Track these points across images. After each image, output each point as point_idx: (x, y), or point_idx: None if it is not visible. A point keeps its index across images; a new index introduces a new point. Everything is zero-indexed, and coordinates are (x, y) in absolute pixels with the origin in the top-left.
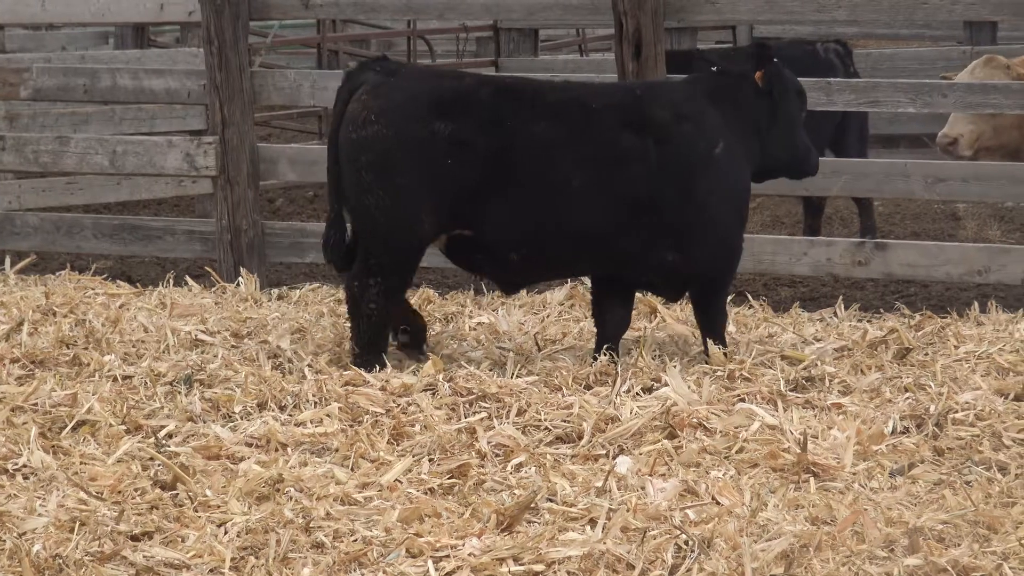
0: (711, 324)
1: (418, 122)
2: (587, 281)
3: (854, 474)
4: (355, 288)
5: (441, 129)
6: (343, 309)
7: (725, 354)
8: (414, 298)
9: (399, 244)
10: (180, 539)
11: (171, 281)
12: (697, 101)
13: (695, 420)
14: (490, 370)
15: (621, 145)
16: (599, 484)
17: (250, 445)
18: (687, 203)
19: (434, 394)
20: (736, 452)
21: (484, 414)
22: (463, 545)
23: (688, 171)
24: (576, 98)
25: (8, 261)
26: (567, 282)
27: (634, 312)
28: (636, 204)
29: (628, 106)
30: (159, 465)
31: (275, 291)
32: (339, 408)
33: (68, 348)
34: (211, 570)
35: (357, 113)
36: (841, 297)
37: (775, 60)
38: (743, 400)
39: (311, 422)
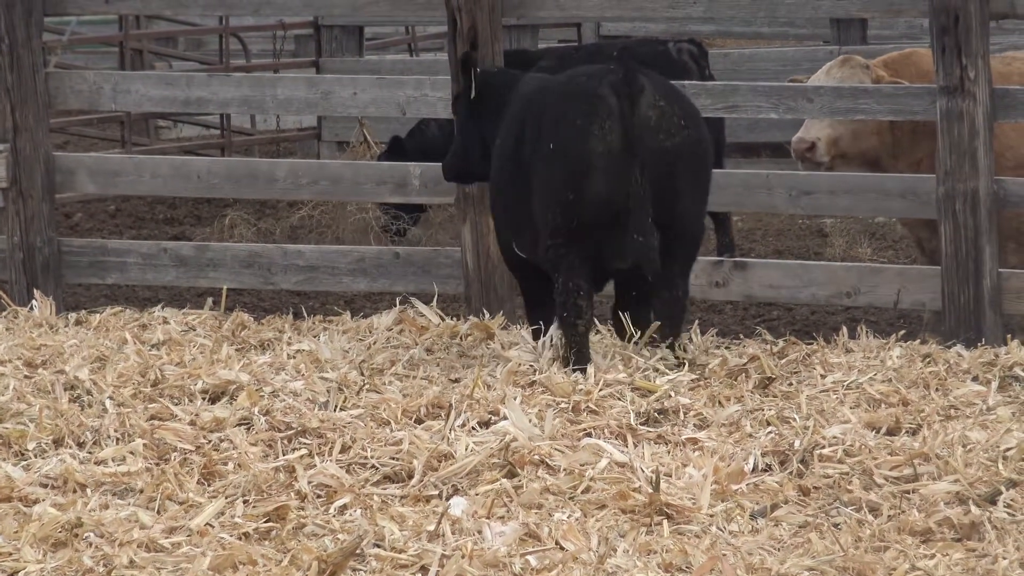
0: None
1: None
2: (418, 304)
3: (711, 516)
4: (679, 294)
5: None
6: (147, 335)
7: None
8: (227, 323)
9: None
10: None
11: None
12: None
13: (537, 457)
14: (311, 402)
15: None
16: (431, 528)
17: (45, 486)
18: None
19: (249, 429)
20: (582, 492)
21: (304, 451)
22: None
23: None
24: None
25: None
26: (395, 305)
27: (469, 338)
28: None
29: None
30: None
31: (73, 315)
32: (144, 445)
33: None
34: None
35: (661, 121)
36: (696, 321)
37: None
38: (589, 435)
39: (113, 460)
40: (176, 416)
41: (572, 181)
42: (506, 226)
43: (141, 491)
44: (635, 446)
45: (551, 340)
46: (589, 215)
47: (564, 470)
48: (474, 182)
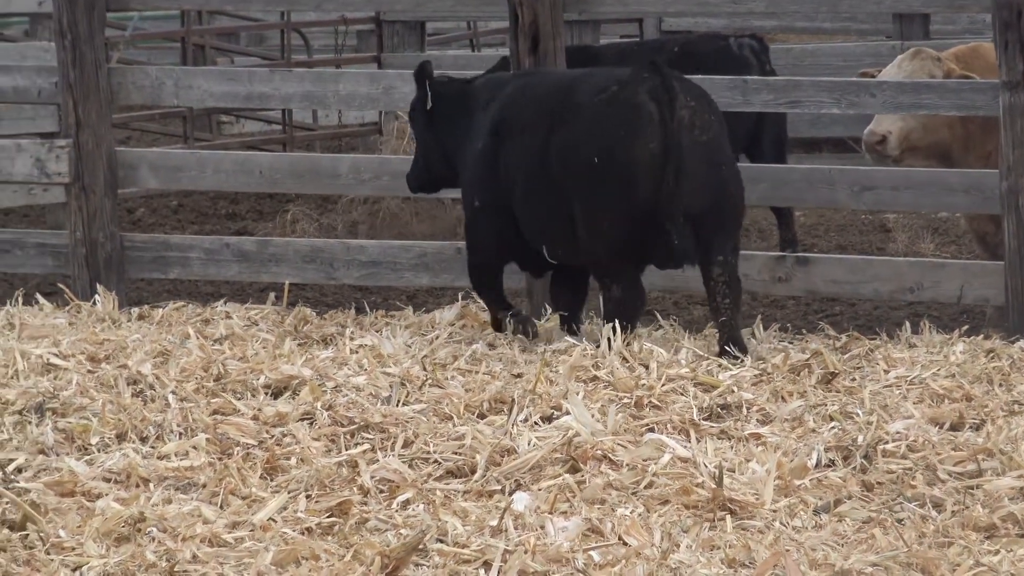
0: None
1: None
2: (478, 300)
3: (775, 511)
4: (732, 267)
5: None
6: (210, 330)
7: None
8: (289, 318)
9: None
10: None
11: (20, 299)
12: None
13: (599, 452)
14: (373, 397)
15: None
16: (494, 523)
17: (108, 480)
18: None
19: (311, 424)
20: (645, 487)
21: (367, 446)
22: None
23: None
24: None
25: None
26: (458, 300)
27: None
28: None
29: None
30: (7, 503)
31: (135, 310)
32: (207, 439)
33: None
34: None
35: (695, 118)
36: (759, 316)
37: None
38: (652, 430)
39: (176, 455)
40: (239, 411)
41: (626, 192)
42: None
43: (204, 486)
44: (698, 441)
45: (611, 334)
46: (642, 223)
47: (627, 465)
48: (440, 190)
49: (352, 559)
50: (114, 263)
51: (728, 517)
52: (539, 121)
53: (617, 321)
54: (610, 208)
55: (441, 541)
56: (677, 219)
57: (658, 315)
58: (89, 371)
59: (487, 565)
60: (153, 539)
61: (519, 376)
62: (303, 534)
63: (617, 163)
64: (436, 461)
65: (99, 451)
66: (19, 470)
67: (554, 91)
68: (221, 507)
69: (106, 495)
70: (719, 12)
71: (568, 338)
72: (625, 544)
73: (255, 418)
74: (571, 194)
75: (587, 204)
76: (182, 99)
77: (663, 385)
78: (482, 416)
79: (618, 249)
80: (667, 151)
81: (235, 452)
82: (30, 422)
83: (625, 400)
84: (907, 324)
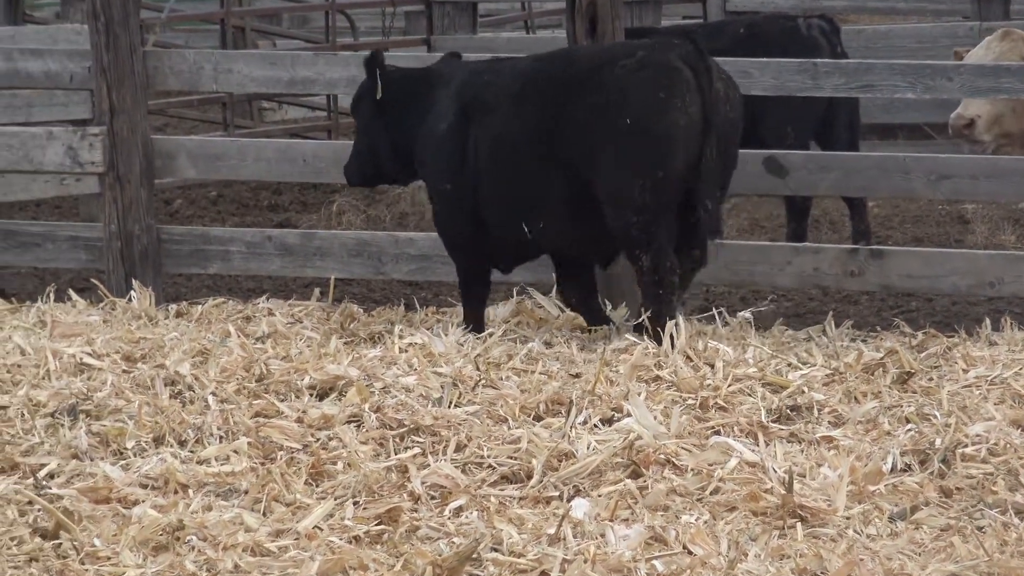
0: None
1: None
2: (536, 295)
3: (848, 518)
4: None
5: None
6: (251, 328)
7: None
8: (335, 315)
9: None
10: None
11: (51, 296)
12: None
13: (662, 456)
14: (424, 399)
15: None
16: (551, 531)
17: (145, 486)
18: None
19: (359, 427)
20: (710, 493)
21: (417, 450)
22: None
23: None
24: None
25: None
26: (512, 296)
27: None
28: None
29: None
30: (39, 510)
31: (173, 307)
32: (248, 443)
33: None
34: None
35: (728, 91)
36: (831, 313)
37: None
38: (718, 433)
39: (216, 459)
40: (282, 413)
41: (661, 157)
42: (500, 206)
43: (246, 492)
44: (766, 445)
45: (674, 330)
46: (675, 190)
47: (691, 470)
48: (380, 184)
49: (402, 569)
50: (150, 257)
51: (798, 525)
52: (533, 95)
53: (655, 295)
54: (642, 177)
55: (496, 550)
56: (715, 198)
57: (724, 311)
58: (124, 371)
59: (544, 575)
60: (192, 548)
61: (577, 376)
62: (350, 543)
63: (652, 129)
64: (490, 466)
65: (135, 456)
66: (51, 476)
67: (550, 64)
68: (264, 514)
69: (143, 502)
70: None
71: (629, 336)
72: (690, 553)
73: (299, 421)
74: (587, 167)
75: (615, 171)
76: (221, 84)
77: (729, 385)
78: (539, 418)
79: (649, 219)
80: (707, 121)
81: (278, 456)
82: (63, 425)
83: (689, 401)
84: (987, 321)
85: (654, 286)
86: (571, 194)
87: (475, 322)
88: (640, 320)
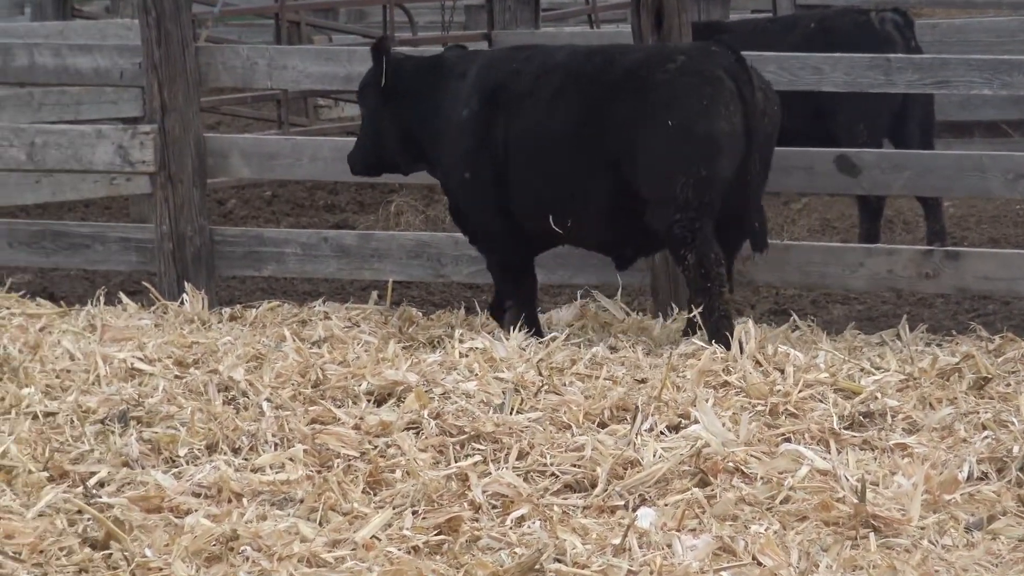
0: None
1: None
2: (600, 298)
3: (922, 529)
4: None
5: None
6: (307, 332)
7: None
8: (393, 318)
9: None
10: None
11: (101, 299)
12: None
13: (731, 464)
14: (485, 405)
15: None
16: (616, 541)
17: (198, 495)
18: None
19: (418, 434)
20: (781, 502)
21: (478, 457)
22: None
23: None
24: None
25: None
26: (576, 298)
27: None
28: None
29: None
30: (88, 520)
31: (226, 310)
32: (304, 451)
33: None
34: None
35: (766, 105)
36: (905, 316)
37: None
38: (788, 440)
39: (271, 467)
40: (339, 420)
41: (703, 155)
42: (535, 199)
43: (301, 501)
44: (838, 452)
45: (744, 334)
46: (718, 191)
47: (761, 478)
48: (383, 174)
49: None
50: (203, 259)
51: (871, 535)
52: (572, 91)
53: (704, 288)
54: (684, 175)
55: (559, 561)
56: (757, 208)
57: (794, 314)
58: (177, 377)
59: None
60: (247, 559)
61: (643, 382)
62: (409, 553)
63: (695, 128)
64: (553, 474)
65: (188, 463)
66: (101, 484)
67: (589, 61)
68: (320, 524)
69: (195, 511)
70: None
71: (696, 340)
72: (759, 564)
73: (356, 427)
74: (629, 166)
75: (656, 173)
76: (276, 81)
77: (800, 391)
78: (603, 425)
79: (692, 216)
80: (749, 131)
81: (335, 464)
82: (113, 432)
83: (759, 408)
84: None
85: (701, 279)
86: (607, 192)
87: (529, 321)
88: (692, 315)
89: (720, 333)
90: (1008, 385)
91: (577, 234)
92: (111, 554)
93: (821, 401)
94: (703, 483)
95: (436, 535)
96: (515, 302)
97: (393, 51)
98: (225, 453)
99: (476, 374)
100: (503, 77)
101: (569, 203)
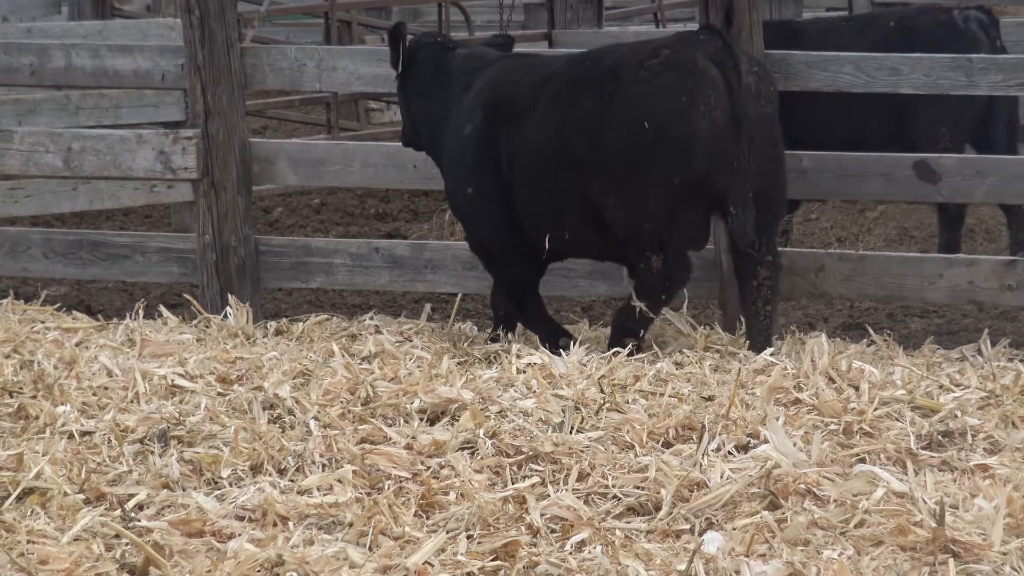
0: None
1: None
2: (666, 311)
3: (1004, 554)
4: (780, 268)
5: None
6: (357, 347)
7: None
8: (447, 332)
9: None
10: None
11: (141, 312)
12: None
13: (803, 486)
14: (543, 423)
15: None
16: (682, 567)
17: (241, 518)
18: None
19: (473, 454)
20: (855, 526)
21: (536, 479)
22: None
23: None
24: None
25: None
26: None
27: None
28: None
29: None
30: (127, 544)
31: (272, 324)
32: (353, 472)
33: (12, 397)
34: None
35: (760, 86)
36: (987, 330)
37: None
38: (863, 461)
39: (318, 489)
40: (390, 439)
41: (678, 164)
42: (532, 206)
43: (350, 525)
44: (916, 473)
45: (817, 349)
46: (694, 194)
47: (834, 501)
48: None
49: None
50: (248, 270)
51: (951, 561)
52: (559, 95)
53: (650, 297)
54: (657, 188)
55: None
56: (746, 201)
57: (870, 328)
58: (219, 394)
59: None
60: None
61: (710, 399)
62: None
63: (670, 136)
64: (615, 496)
65: (231, 485)
66: (140, 507)
67: (579, 64)
68: (370, 549)
69: (239, 535)
70: None
71: (766, 355)
72: None
73: (408, 447)
74: (600, 174)
75: (628, 184)
76: (325, 83)
77: (876, 409)
78: (668, 445)
79: (662, 226)
80: (736, 121)
81: (386, 486)
82: (153, 452)
83: (832, 426)
84: None
85: (659, 288)
86: (583, 199)
87: (550, 338)
88: (627, 303)
89: (616, 339)
90: None
91: (569, 248)
92: None
93: (898, 419)
94: (773, 506)
95: (492, 560)
96: (534, 327)
97: (417, 38)
98: (270, 474)
99: (534, 391)
100: (506, 89)
101: (557, 215)
